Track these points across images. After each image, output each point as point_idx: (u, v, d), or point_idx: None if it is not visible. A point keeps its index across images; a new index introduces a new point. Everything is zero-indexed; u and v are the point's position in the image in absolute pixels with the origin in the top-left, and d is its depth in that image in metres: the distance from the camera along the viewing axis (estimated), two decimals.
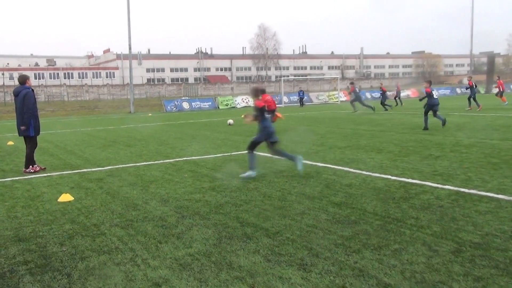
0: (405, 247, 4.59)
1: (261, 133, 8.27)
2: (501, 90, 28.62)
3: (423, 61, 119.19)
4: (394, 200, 6.44)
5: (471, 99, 25.53)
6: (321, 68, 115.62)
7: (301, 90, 42.48)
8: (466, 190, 6.83)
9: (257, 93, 8.47)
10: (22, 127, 9.78)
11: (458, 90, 53.73)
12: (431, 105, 15.74)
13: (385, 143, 12.47)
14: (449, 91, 54.52)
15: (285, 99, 45.31)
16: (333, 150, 11.59)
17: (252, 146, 8.31)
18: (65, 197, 7.20)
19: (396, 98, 35.38)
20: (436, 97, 15.84)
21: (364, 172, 8.46)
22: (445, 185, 7.23)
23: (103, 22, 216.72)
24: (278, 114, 15.63)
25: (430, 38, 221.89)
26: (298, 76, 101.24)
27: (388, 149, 11.33)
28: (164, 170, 9.60)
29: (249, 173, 8.28)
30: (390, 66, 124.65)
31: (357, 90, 27.92)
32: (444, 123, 15.90)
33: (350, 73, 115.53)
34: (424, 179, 7.72)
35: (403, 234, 4.97)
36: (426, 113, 15.86)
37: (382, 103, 28.53)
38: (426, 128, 15.54)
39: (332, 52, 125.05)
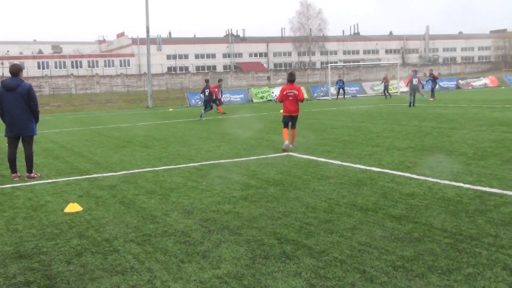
0: (481, 271, 4.49)
1: None
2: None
3: (504, 42, 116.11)
4: (468, 213, 6.31)
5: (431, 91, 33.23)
6: (377, 52, 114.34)
7: (340, 80, 43.78)
8: None
9: None
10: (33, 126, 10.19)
11: None
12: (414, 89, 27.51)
13: (457, 143, 12.23)
14: None
15: (332, 90, 45.10)
16: (391, 152, 11.46)
17: None
18: (73, 207, 7.38)
19: (385, 92, 39.23)
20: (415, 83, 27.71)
21: (430, 179, 8.33)
22: None
23: (116, 1, 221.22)
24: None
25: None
26: (349, 62, 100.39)
27: (461, 151, 11.11)
28: (188, 175, 9.72)
29: None
30: (462, 49, 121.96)
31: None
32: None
33: (413, 58, 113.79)
34: (506, 187, 7.53)
35: (478, 256, 4.87)
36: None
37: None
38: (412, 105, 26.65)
39: (391, 33, 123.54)
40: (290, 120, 12.63)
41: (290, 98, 12.50)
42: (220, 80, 31.17)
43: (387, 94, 39.00)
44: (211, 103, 25.46)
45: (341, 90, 42.58)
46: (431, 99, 31.90)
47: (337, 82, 43.21)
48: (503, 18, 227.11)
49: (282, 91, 12.73)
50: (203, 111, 24.58)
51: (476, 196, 7.12)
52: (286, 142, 12.44)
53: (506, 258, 4.77)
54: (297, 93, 12.50)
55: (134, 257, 5.25)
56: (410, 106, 26.64)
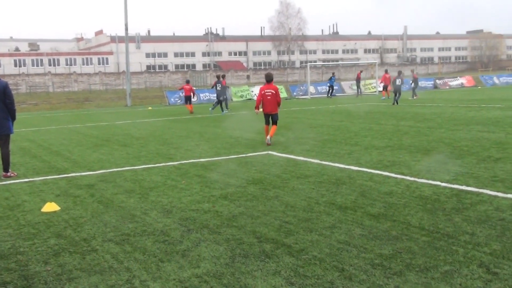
0: (457, 269, 4.54)
1: None
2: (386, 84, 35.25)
3: (480, 43, 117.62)
4: (445, 211, 6.38)
5: (414, 90, 34.03)
6: (355, 51, 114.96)
7: (333, 76, 43.51)
8: None
9: None
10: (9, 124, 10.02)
11: None
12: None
13: (434, 143, 12.36)
14: None
15: (311, 89, 45.27)
16: (370, 150, 11.53)
17: None
18: (50, 207, 7.30)
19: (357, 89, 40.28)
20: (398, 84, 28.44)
21: (407, 178, 8.40)
22: (507, 193, 7.13)
23: None
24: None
25: (489, 15, 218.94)
26: (328, 61, 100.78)
27: (438, 150, 11.23)
28: (167, 174, 9.67)
29: None
30: (440, 49, 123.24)
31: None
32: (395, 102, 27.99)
33: (391, 58, 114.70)
34: (482, 186, 7.63)
35: (455, 253, 4.93)
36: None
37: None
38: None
39: (369, 33, 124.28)
40: (269, 118, 13.53)
41: (268, 97, 13.37)
42: (223, 76, 31.32)
43: (358, 92, 39.39)
44: (224, 96, 27.11)
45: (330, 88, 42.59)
46: (415, 97, 33.00)
47: (330, 78, 43.22)
48: (480, 19, 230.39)
49: (260, 91, 13.68)
50: (218, 106, 26.61)
51: (453, 195, 7.20)
52: (268, 137, 13.26)
53: (482, 255, 4.83)
54: (275, 93, 13.39)
55: (112, 257, 5.21)
56: (397, 103, 27.71)
